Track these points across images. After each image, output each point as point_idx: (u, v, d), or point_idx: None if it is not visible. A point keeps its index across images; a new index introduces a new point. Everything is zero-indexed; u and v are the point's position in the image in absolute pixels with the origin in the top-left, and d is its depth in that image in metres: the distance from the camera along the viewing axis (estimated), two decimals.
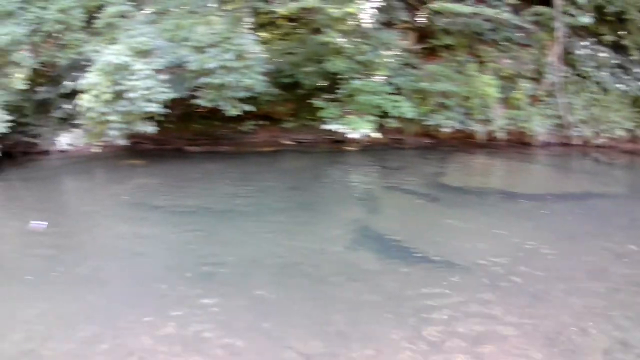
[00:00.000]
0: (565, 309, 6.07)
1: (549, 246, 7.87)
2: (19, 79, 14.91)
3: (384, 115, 14.02)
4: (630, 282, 6.76)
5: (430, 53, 15.27)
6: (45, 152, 16.60)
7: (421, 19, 15.49)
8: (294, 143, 14.72)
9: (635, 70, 14.90)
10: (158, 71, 13.84)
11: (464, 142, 14.88)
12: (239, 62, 13.41)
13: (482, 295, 6.39)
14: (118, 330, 5.97)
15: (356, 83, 13.90)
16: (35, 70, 15.36)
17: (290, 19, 14.89)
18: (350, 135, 13.66)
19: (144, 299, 6.81)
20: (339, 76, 14.13)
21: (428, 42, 15.39)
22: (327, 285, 6.88)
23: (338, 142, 14.28)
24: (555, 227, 8.86)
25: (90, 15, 15.52)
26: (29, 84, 15.17)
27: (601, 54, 15.15)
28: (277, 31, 15.23)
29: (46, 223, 9.65)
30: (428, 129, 14.52)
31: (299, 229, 9.19)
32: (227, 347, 5.55)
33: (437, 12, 15.17)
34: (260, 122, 14.84)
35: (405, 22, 15.25)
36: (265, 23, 14.86)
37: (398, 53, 14.67)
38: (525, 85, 15.07)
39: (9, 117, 14.74)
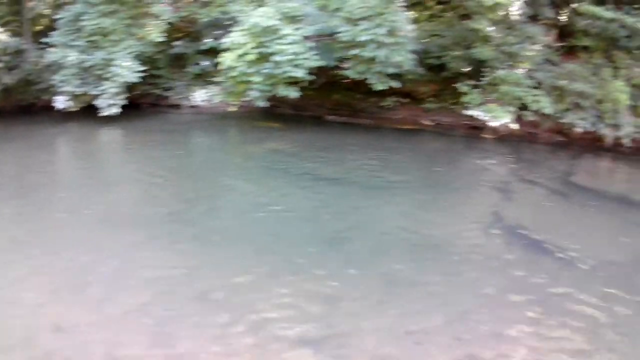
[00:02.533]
0: None
1: None
2: (156, 32, 14.87)
3: (523, 107, 14.02)
4: None
5: (569, 52, 15.26)
6: (176, 106, 16.54)
7: (563, 17, 15.42)
8: (432, 124, 14.75)
9: None
10: (306, 38, 13.82)
11: (592, 144, 14.83)
12: (390, 38, 13.42)
13: (604, 289, 6.65)
14: (236, 286, 6.52)
15: (500, 73, 13.89)
16: (172, 24, 15.32)
17: (439, 1, 14.83)
18: (490, 123, 13.68)
19: (268, 259, 7.20)
20: (484, 64, 14.10)
21: (567, 41, 15.35)
22: (458, 266, 7.18)
23: (476, 129, 14.32)
24: None
25: None
26: (165, 38, 15.13)
27: None
28: (425, 12, 15.15)
29: None
30: (561, 127, 14.49)
31: (435, 209, 9.43)
32: (354, 316, 5.98)
33: (578, 13, 15.09)
34: (402, 100, 14.84)
35: (549, 18, 15.19)
36: (414, 2, 14.80)
37: (540, 48, 14.61)
38: None
39: (142, 68, 14.71)
